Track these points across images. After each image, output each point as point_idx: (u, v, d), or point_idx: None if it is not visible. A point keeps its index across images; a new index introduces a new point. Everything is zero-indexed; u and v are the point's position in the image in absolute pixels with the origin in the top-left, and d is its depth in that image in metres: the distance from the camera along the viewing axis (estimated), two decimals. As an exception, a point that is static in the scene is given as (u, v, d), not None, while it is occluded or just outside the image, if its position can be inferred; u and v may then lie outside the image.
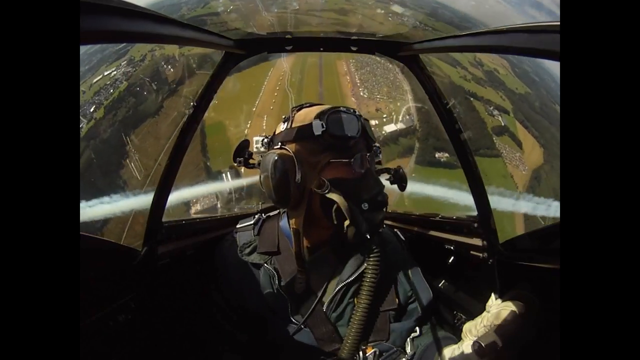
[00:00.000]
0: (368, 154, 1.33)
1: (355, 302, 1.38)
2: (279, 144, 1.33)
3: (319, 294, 1.35)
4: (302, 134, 1.28)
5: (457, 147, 1.67)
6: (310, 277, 1.35)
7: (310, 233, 1.36)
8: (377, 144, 1.56)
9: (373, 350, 1.37)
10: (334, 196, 1.21)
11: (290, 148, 1.28)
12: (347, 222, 1.22)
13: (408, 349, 1.43)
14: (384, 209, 1.30)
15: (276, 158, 1.24)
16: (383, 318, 1.40)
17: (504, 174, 26.29)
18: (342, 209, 1.21)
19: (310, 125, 1.26)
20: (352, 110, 1.31)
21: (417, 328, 1.48)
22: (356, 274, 1.38)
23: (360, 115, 1.33)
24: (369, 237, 1.25)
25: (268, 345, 1.37)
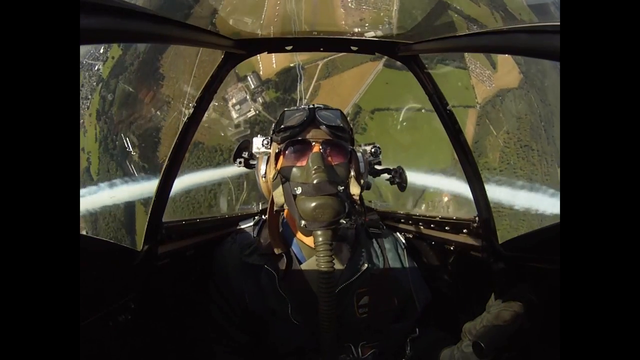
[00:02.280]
0: (323, 143, 1.29)
1: (355, 302, 1.38)
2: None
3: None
4: (272, 133, 1.44)
5: (457, 148, 1.67)
6: (311, 277, 1.35)
7: (295, 225, 1.38)
8: (376, 145, 1.56)
9: (372, 351, 1.37)
10: (275, 182, 1.30)
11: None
12: (285, 207, 1.27)
13: (407, 350, 1.43)
14: (325, 197, 1.19)
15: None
16: (382, 319, 1.40)
17: (466, 85, 26.41)
18: (275, 191, 1.29)
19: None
20: (307, 107, 1.36)
21: (417, 329, 1.48)
22: (356, 275, 1.38)
23: (318, 110, 1.34)
24: (304, 224, 1.19)
25: (269, 346, 1.36)
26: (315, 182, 1.20)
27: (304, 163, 1.28)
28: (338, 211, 1.20)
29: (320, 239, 1.18)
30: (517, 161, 24.55)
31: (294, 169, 1.28)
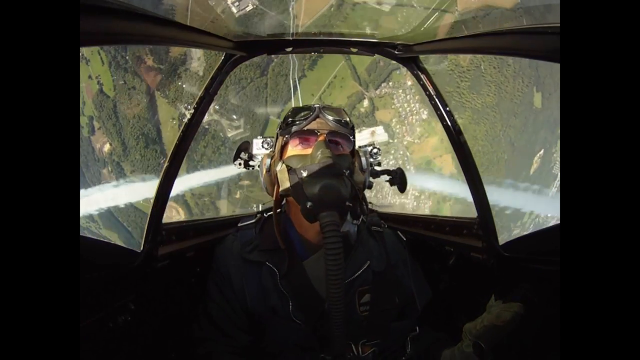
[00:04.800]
0: (328, 133, 1.33)
1: (357, 300, 1.37)
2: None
3: (321, 292, 1.34)
4: (278, 129, 1.45)
5: (456, 149, 1.67)
6: (313, 275, 1.35)
7: (302, 225, 1.37)
8: (377, 147, 1.56)
9: (372, 350, 1.36)
10: (281, 169, 1.30)
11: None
12: (287, 187, 1.26)
13: (408, 349, 1.43)
14: (331, 178, 1.21)
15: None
16: (383, 317, 1.40)
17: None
18: (280, 176, 1.28)
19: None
20: (312, 107, 1.39)
21: (417, 327, 1.48)
22: (358, 272, 1.38)
23: (323, 108, 1.39)
24: (310, 205, 1.18)
25: (268, 346, 1.36)
26: (321, 162, 1.22)
27: (309, 151, 1.29)
28: (344, 193, 1.20)
29: (327, 219, 1.15)
30: (487, 68, 23.95)
31: (300, 157, 1.30)
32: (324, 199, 1.17)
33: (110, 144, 22.74)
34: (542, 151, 22.53)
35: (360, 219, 1.47)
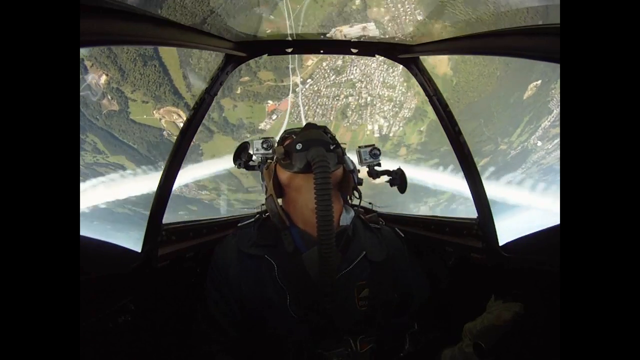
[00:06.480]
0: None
1: (356, 294, 1.37)
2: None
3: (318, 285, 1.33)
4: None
5: (456, 149, 1.67)
6: (310, 268, 1.35)
7: (301, 220, 1.38)
8: (377, 148, 1.56)
9: (370, 346, 1.36)
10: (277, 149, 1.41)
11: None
12: (282, 151, 1.36)
13: (406, 345, 1.43)
14: (321, 147, 1.30)
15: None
16: (382, 312, 1.40)
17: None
18: (278, 153, 1.38)
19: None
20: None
21: (415, 324, 1.48)
22: (354, 262, 1.38)
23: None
24: (299, 146, 1.29)
25: (265, 341, 1.36)
26: (311, 137, 1.33)
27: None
28: (326, 139, 1.34)
29: (314, 151, 1.24)
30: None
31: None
32: (311, 137, 1.31)
33: (107, 75, 21.28)
34: (539, 81, 22.74)
35: (355, 214, 1.49)
